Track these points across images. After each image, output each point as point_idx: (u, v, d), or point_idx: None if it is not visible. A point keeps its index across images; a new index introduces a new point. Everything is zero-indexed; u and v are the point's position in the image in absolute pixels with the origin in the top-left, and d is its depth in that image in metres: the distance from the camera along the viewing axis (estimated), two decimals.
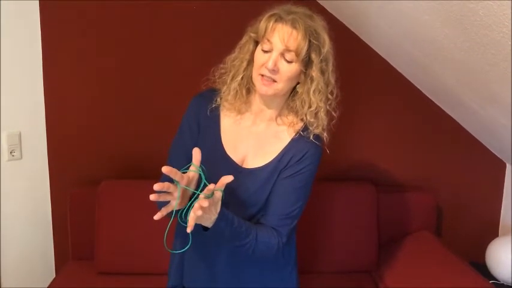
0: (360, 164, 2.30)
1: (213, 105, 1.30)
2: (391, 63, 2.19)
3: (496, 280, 2.01)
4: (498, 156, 2.29)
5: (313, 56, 1.19)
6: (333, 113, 1.26)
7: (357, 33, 2.15)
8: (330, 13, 2.09)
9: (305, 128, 1.27)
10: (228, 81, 1.27)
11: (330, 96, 1.25)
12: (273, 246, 1.26)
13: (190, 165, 1.11)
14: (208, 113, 1.30)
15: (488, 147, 2.28)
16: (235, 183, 1.25)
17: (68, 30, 2.10)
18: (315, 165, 1.28)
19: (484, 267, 2.04)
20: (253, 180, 1.27)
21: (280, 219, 1.26)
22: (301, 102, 1.24)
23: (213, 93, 1.31)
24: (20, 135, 2.08)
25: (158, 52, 2.15)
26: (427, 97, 2.23)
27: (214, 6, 2.11)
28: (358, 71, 2.19)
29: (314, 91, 1.21)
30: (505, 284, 1.99)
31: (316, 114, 1.24)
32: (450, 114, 2.24)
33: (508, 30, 1.15)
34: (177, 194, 1.06)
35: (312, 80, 1.21)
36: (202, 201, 1.03)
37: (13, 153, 2.06)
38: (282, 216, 1.27)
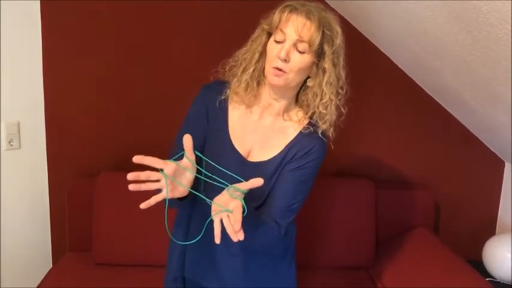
0: (359, 160, 2.30)
1: (222, 97, 1.29)
2: (393, 60, 2.19)
3: (493, 278, 2.01)
4: (497, 154, 2.29)
5: (325, 47, 1.19)
6: (342, 109, 1.26)
7: (360, 30, 2.15)
8: (334, 10, 2.08)
9: (312, 124, 1.27)
10: (239, 73, 1.27)
11: (340, 90, 1.25)
12: (273, 238, 1.27)
13: (183, 154, 1.10)
14: (217, 104, 1.29)
15: (487, 145, 2.28)
16: (241, 175, 1.25)
17: (68, 20, 2.09)
18: (319, 160, 1.28)
19: (481, 265, 2.05)
20: (258, 174, 1.26)
21: (280, 211, 1.27)
22: (313, 95, 1.24)
23: (222, 85, 1.31)
24: (18, 124, 2.07)
25: (159, 46, 2.15)
26: (428, 94, 2.23)
27: (217, 4, 2.10)
28: (360, 67, 2.16)
29: (326, 83, 1.21)
30: (502, 282, 1.99)
31: (326, 107, 1.24)
32: (450, 111, 2.24)
33: (510, 27, 1.15)
34: (162, 182, 1.05)
35: (324, 71, 1.21)
36: (237, 218, 1.02)
37: (11, 143, 2.05)
38: (283, 209, 1.27)
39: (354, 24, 2.13)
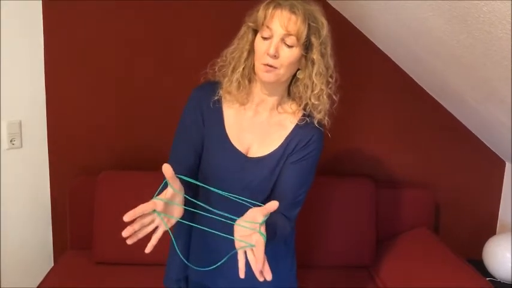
0: (359, 159, 2.30)
1: (216, 98, 1.29)
2: (393, 59, 2.19)
3: (493, 278, 2.01)
4: (498, 154, 2.29)
5: (313, 39, 1.20)
6: (334, 96, 1.27)
7: (359, 28, 2.15)
8: (333, 8, 2.08)
9: (307, 115, 1.29)
10: (229, 73, 1.27)
11: (330, 79, 1.26)
12: (287, 234, 1.28)
13: (166, 183, 1.07)
14: (211, 105, 1.30)
15: (488, 145, 2.28)
16: (243, 172, 1.27)
17: (70, 19, 2.09)
18: (319, 150, 1.30)
19: (481, 264, 2.05)
20: (260, 168, 1.28)
21: (288, 205, 1.27)
22: (304, 87, 1.25)
23: (213, 85, 1.31)
24: (20, 123, 2.08)
25: (160, 46, 2.15)
26: (428, 94, 2.23)
27: (218, 4, 2.11)
28: (360, 66, 2.19)
29: (316, 74, 1.23)
30: (502, 281, 1.99)
31: (319, 97, 1.25)
32: (451, 111, 2.24)
33: (511, 27, 1.15)
34: (157, 221, 1.05)
35: (313, 63, 1.22)
36: (259, 256, 1.01)
37: (13, 142, 2.06)
38: (290, 201, 1.27)
39: (353, 23, 2.14)
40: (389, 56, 2.19)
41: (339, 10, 2.09)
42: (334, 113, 1.28)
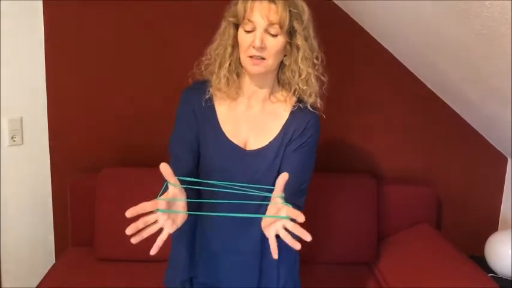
0: (361, 156, 2.30)
1: (207, 96, 1.30)
2: (394, 55, 2.18)
3: (495, 274, 2.01)
4: (500, 150, 2.29)
5: (295, 25, 1.20)
6: (322, 77, 1.28)
7: (360, 23, 2.14)
8: (333, 2, 2.07)
9: (299, 100, 1.29)
10: (216, 70, 1.27)
11: (316, 61, 1.26)
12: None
13: (167, 184, 1.05)
14: (203, 103, 1.30)
15: (490, 141, 2.28)
16: (244, 166, 1.27)
17: (70, 17, 2.09)
18: (316, 134, 1.30)
19: (483, 260, 2.05)
20: (260, 160, 1.28)
21: (293, 194, 1.25)
22: (291, 73, 1.26)
23: (203, 84, 1.31)
24: (21, 120, 2.08)
25: (161, 43, 2.15)
26: (430, 89, 2.23)
27: (219, 4, 2.10)
28: (360, 62, 2.18)
29: (302, 59, 1.23)
30: (504, 277, 1.99)
31: (307, 81, 1.25)
32: (452, 107, 2.23)
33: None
34: (161, 221, 1.03)
35: (298, 48, 1.23)
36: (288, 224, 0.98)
37: (14, 139, 2.06)
38: (295, 189, 1.27)
39: (354, 18, 2.12)
40: (390, 51, 2.17)
41: (338, 4, 2.08)
42: (325, 93, 1.28)
